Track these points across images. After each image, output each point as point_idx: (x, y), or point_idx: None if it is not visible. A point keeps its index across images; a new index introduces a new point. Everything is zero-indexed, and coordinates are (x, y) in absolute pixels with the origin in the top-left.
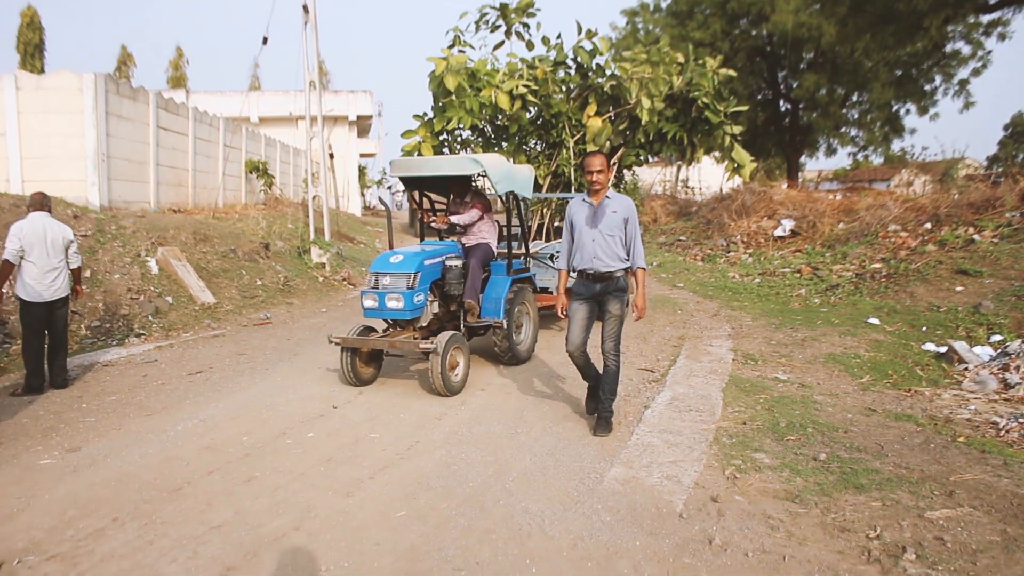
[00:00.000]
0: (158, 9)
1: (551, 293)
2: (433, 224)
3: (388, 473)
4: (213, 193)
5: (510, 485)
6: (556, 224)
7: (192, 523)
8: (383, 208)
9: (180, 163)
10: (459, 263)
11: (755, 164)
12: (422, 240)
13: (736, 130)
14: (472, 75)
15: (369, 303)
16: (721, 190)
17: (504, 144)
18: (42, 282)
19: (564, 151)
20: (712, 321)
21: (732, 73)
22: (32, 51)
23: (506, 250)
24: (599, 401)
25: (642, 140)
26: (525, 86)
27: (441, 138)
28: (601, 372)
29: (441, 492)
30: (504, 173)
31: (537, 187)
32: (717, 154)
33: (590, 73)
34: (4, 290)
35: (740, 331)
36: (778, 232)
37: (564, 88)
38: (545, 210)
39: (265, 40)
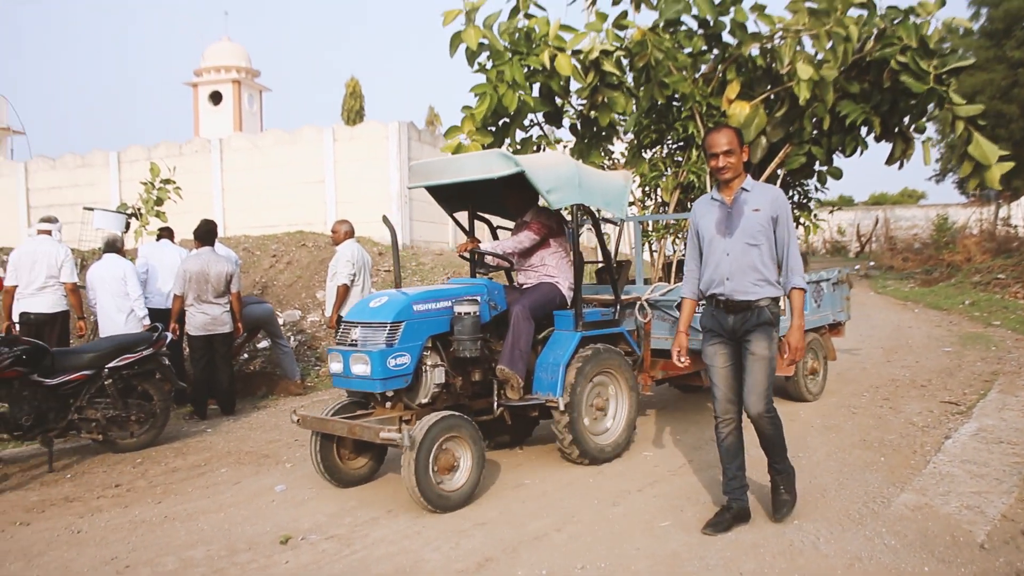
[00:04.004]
0: (461, 74)
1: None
2: (463, 255)
3: (657, 487)
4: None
5: None
6: None
7: (458, 519)
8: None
9: None
10: (473, 310)
11: (1009, 164)
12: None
13: (970, 110)
14: (526, 36)
15: (334, 366)
16: None
17: (608, 146)
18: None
19: (694, 151)
20: None
21: (967, 23)
22: (354, 117)
23: (575, 293)
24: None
25: (812, 132)
26: (605, 51)
27: (507, 143)
28: (759, 440)
29: (709, 506)
30: (564, 178)
31: (651, 204)
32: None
33: (725, 37)
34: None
35: None
36: None
37: (690, 60)
38: (673, 240)
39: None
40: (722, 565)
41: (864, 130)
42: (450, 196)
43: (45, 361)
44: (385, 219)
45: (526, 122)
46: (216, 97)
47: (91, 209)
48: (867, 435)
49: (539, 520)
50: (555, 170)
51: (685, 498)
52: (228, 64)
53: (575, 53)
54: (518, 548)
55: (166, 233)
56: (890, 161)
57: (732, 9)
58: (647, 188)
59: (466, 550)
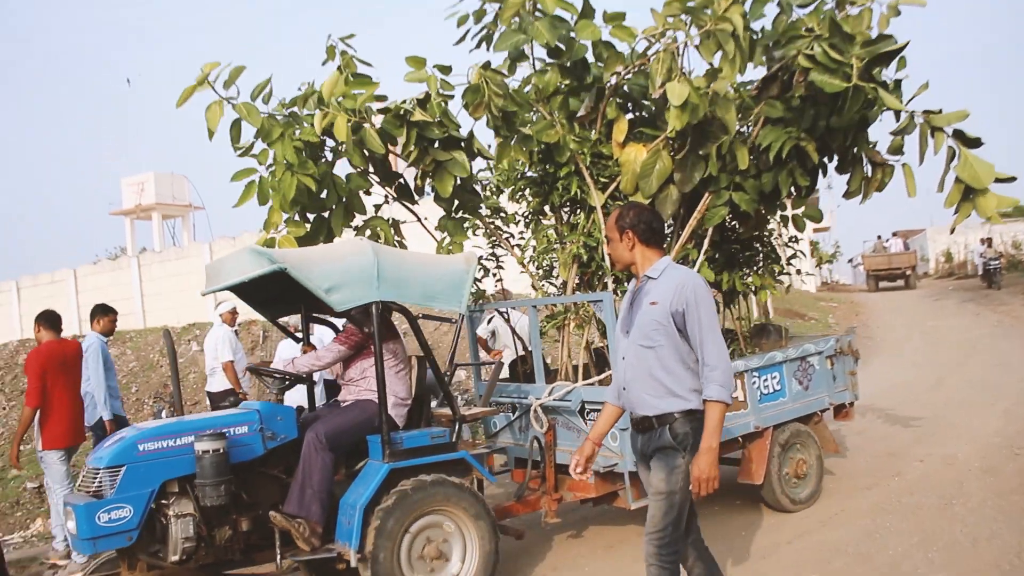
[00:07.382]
0: None
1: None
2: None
3: (806, 539)
4: None
5: (932, 555)
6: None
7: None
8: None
9: None
10: (215, 447)
11: (1011, 177)
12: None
13: (951, 118)
14: (319, 102)
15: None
16: None
17: (480, 215)
18: None
19: (583, 216)
20: None
21: (920, 1)
22: None
23: (382, 413)
24: None
25: (726, 177)
26: (420, 100)
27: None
28: None
29: (856, 558)
30: (353, 272)
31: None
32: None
33: (592, 60)
34: None
35: None
36: None
37: (560, 99)
38: (579, 327)
39: None
40: None
41: (815, 159)
42: (271, 299)
43: None
44: (165, 333)
45: (376, 201)
46: None
47: None
48: None
49: None
50: (340, 263)
51: (833, 551)
52: None
53: (386, 112)
54: None
55: None
56: (848, 195)
57: (575, 31)
58: (540, 265)
59: None
